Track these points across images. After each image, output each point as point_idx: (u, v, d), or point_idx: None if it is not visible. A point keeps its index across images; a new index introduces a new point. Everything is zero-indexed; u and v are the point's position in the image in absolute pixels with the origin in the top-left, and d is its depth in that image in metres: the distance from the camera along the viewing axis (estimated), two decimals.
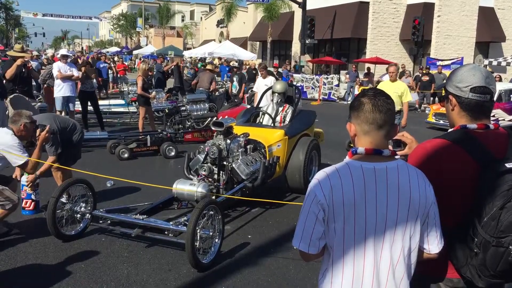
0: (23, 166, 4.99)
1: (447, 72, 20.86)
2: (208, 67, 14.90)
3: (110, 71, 22.33)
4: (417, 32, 23.67)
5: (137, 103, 12.15)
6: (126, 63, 34.51)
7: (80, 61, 13.24)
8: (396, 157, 1.92)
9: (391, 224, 1.81)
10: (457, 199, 2.02)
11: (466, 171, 1.99)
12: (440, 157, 2.04)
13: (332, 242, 1.84)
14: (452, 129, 2.14)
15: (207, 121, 11.44)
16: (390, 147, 2.30)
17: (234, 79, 13.32)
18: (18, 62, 8.61)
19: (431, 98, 20.26)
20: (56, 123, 5.73)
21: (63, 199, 5.18)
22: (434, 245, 1.92)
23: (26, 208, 5.46)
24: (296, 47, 33.73)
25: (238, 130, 6.42)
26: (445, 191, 2.00)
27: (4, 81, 8.97)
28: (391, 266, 1.82)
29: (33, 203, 5.54)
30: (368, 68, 23.86)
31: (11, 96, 8.85)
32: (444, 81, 20.96)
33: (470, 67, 2.11)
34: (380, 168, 1.82)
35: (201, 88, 13.52)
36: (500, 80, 20.52)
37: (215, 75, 15.93)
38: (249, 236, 5.32)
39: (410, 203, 1.82)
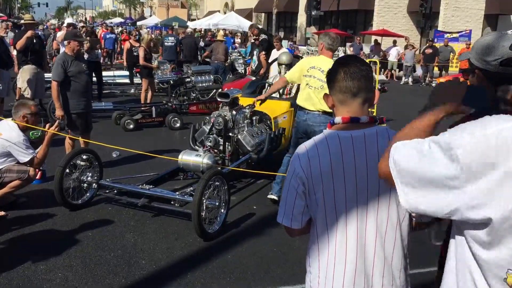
0: (29, 163, 4.92)
1: (453, 45, 20.57)
2: (219, 37, 14.19)
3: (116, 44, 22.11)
4: (425, 4, 23.26)
5: (139, 75, 11.98)
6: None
7: (85, 30, 13.08)
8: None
9: (374, 192, 1.71)
10: None
11: None
12: None
13: (316, 215, 1.78)
14: None
15: (212, 93, 11.38)
16: None
17: (255, 53, 11.31)
18: (28, 34, 8.57)
19: (438, 72, 20.03)
20: None
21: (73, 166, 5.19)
22: None
23: None
24: (301, 18, 33.28)
25: (244, 101, 6.39)
26: None
27: (16, 52, 9.05)
28: (379, 237, 1.72)
29: (40, 172, 5.59)
30: (376, 40, 23.57)
31: (24, 66, 8.85)
32: (451, 54, 20.59)
33: (497, 36, 1.70)
34: (357, 135, 1.74)
35: (216, 62, 12.95)
36: None
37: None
38: (255, 207, 5.36)
39: None
